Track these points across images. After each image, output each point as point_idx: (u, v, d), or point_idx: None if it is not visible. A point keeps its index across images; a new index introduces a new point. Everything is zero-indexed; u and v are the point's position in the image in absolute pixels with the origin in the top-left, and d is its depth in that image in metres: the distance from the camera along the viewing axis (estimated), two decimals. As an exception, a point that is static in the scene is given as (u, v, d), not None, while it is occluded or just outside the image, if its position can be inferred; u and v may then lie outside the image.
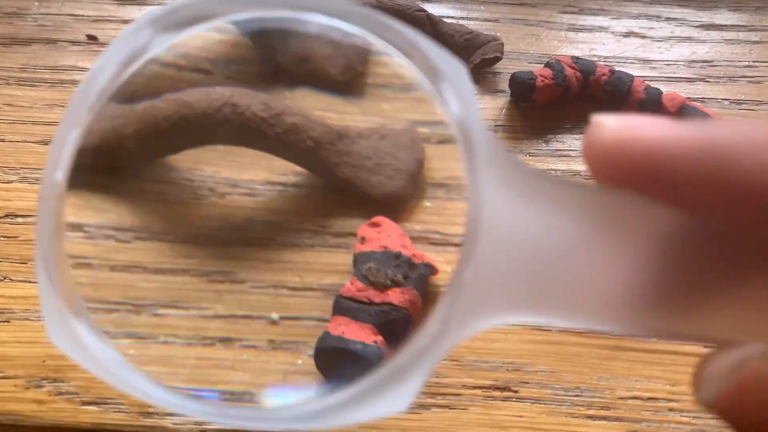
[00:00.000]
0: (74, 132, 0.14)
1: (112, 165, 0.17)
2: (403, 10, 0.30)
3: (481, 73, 0.31)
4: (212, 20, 0.16)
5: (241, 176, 0.24)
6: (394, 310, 0.21)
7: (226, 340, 0.21)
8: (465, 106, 0.14)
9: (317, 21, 0.15)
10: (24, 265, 0.27)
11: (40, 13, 0.34)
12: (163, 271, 0.23)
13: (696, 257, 0.14)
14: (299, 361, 0.21)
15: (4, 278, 0.27)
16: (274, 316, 0.22)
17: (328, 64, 0.23)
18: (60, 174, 0.14)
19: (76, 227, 0.22)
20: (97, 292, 0.21)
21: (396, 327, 0.21)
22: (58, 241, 0.15)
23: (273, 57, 0.22)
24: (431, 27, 0.30)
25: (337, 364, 0.20)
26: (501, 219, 0.14)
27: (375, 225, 0.22)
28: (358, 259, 0.21)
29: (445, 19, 0.31)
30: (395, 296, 0.20)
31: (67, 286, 0.15)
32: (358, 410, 0.13)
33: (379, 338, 0.21)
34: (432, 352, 0.13)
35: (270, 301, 0.22)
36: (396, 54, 0.15)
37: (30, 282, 0.26)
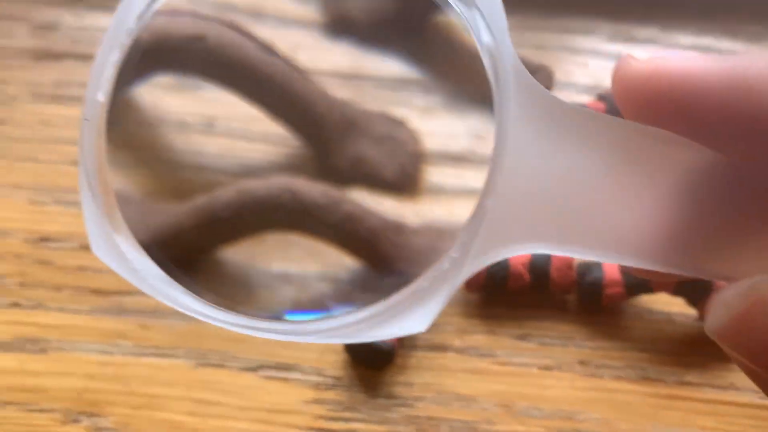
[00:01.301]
0: (114, 54, 0.15)
1: (172, 259, 0.17)
2: None
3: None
4: None
5: (295, 268, 0.25)
6: None
7: None
8: (496, 35, 0.14)
9: None
10: (59, 292, 0.26)
11: (74, 27, 0.33)
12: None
13: (721, 196, 0.14)
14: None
15: (39, 306, 0.26)
16: None
17: (381, 167, 0.24)
18: (101, 95, 0.15)
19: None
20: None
21: None
22: (100, 161, 0.15)
23: (329, 160, 0.22)
24: None
25: (363, 352, 0.24)
26: (526, 151, 0.14)
27: None
28: None
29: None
30: None
31: (109, 206, 0.15)
32: (382, 328, 0.14)
33: None
34: (452, 277, 0.14)
35: None
36: None
37: (65, 311, 0.26)
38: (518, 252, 0.15)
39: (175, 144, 0.20)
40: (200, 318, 0.15)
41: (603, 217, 0.14)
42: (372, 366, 0.24)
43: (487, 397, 0.24)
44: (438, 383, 0.24)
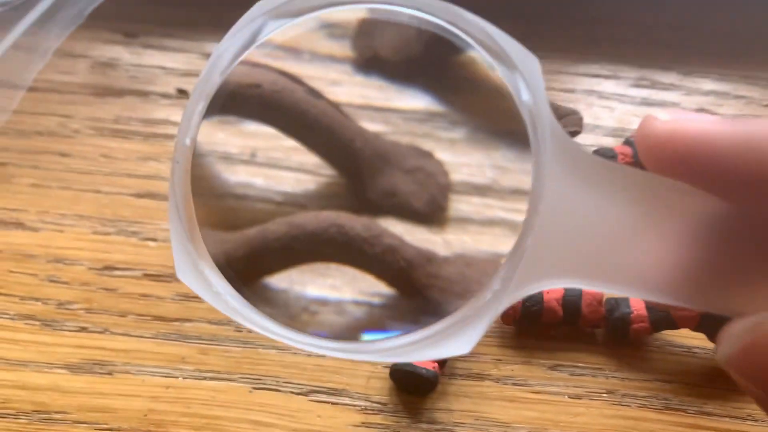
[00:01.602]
0: (201, 104, 0.17)
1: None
2: None
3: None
4: (321, 9, 0.18)
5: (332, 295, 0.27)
6: None
7: None
8: (535, 94, 0.16)
9: (399, 11, 0.18)
10: (123, 318, 0.28)
11: (132, 64, 0.36)
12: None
13: (730, 241, 0.16)
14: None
15: (105, 331, 0.28)
16: None
17: (412, 198, 0.25)
18: (188, 140, 0.17)
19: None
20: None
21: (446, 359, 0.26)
22: (188, 196, 0.17)
23: (363, 192, 0.24)
24: None
25: (408, 380, 0.26)
26: (560, 197, 0.16)
27: None
28: None
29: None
30: None
31: (194, 235, 0.18)
32: (431, 349, 0.16)
33: (436, 365, 0.26)
34: (493, 306, 0.16)
35: None
36: (473, 46, 0.17)
37: (129, 335, 0.28)
38: (552, 286, 0.16)
39: (221, 174, 0.21)
40: (277, 338, 0.17)
41: (627, 257, 0.16)
42: (415, 392, 0.26)
43: (521, 424, 0.26)
44: (476, 410, 0.26)
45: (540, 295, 0.27)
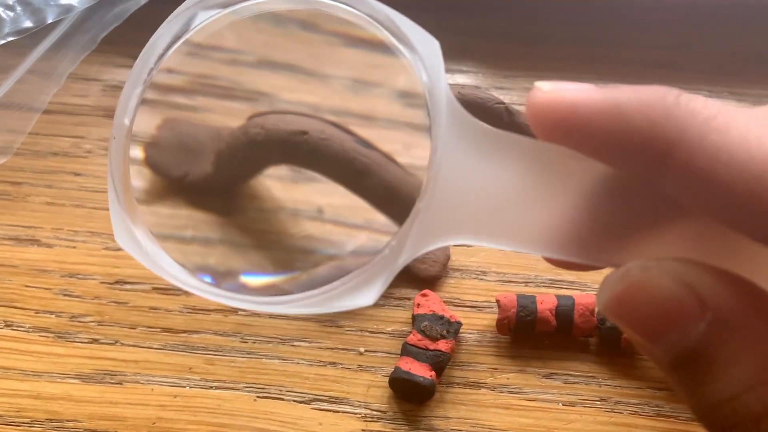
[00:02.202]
0: (137, 89, 0.19)
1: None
2: (484, 102, 0.32)
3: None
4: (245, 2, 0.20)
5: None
6: (442, 355, 0.28)
7: (331, 363, 0.29)
8: (431, 74, 0.18)
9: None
10: (134, 330, 0.29)
11: (141, 87, 0.37)
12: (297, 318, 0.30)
13: (610, 201, 0.17)
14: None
15: (116, 342, 0.29)
16: (361, 349, 0.29)
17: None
18: (127, 119, 0.19)
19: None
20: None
21: (443, 365, 0.28)
22: (125, 169, 0.19)
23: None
24: (509, 118, 0.33)
25: (406, 388, 0.27)
26: (454, 163, 0.17)
27: (425, 295, 0.30)
28: (417, 319, 0.29)
29: (523, 110, 0.33)
30: (443, 345, 0.28)
31: (129, 204, 0.19)
32: (337, 301, 0.18)
33: (433, 374, 0.27)
34: (392, 262, 0.18)
35: (359, 339, 0.29)
36: (379, 29, 0.19)
37: (139, 347, 0.29)
38: (448, 243, 0.18)
39: (288, 229, 0.23)
40: (193, 291, 0.19)
41: (519, 217, 0.18)
42: (413, 400, 0.27)
43: (516, 430, 0.27)
44: (472, 417, 0.27)
45: (534, 305, 0.28)
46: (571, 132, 0.17)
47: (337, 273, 0.19)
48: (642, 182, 0.17)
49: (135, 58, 0.38)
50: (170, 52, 0.20)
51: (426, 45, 0.18)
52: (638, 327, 0.16)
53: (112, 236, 0.32)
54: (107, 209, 0.32)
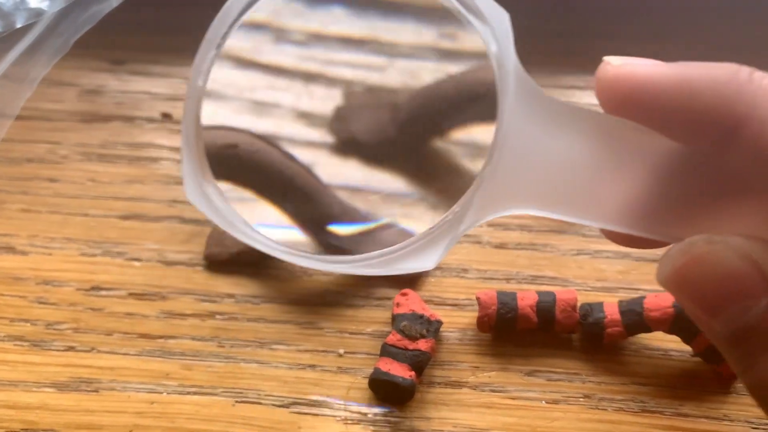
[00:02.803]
0: (211, 52, 0.20)
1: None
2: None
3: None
4: None
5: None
6: (422, 354, 0.27)
7: (310, 366, 0.28)
8: (500, 44, 0.18)
9: None
10: (110, 336, 0.29)
11: (118, 91, 0.37)
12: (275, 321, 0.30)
13: (677, 177, 0.18)
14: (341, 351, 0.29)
15: (92, 349, 0.28)
16: (341, 351, 0.29)
17: None
18: (201, 81, 0.20)
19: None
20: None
21: (423, 365, 0.27)
22: (198, 129, 0.20)
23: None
24: None
25: (386, 389, 0.27)
26: (520, 133, 0.18)
27: (404, 294, 0.29)
28: (396, 319, 0.28)
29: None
30: (422, 344, 0.27)
31: (201, 161, 0.20)
32: (399, 263, 0.18)
33: (413, 374, 0.27)
34: (454, 227, 0.18)
35: (338, 341, 0.29)
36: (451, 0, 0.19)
37: (115, 353, 0.28)
38: (511, 212, 0.18)
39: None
40: (268, 250, 0.19)
41: (584, 189, 0.18)
42: (394, 402, 0.27)
43: (499, 430, 0.26)
44: (454, 417, 0.27)
45: (514, 302, 0.28)
46: (640, 106, 0.17)
47: (399, 237, 0.19)
48: (709, 158, 0.17)
49: (111, 62, 0.38)
50: (244, 17, 0.20)
51: (496, 16, 0.18)
52: (699, 300, 0.16)
53: (88, 242, 0.32)
54: (84, 215, 0.32)
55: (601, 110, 0.18)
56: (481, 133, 0.20)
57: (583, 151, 0.18)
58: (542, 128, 0.18)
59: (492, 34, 0.18)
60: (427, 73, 0.21)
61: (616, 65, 0.17)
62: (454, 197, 0.18)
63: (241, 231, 0.20)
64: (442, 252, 0.18)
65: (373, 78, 0.22)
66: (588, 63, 0.37)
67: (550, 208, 0.18)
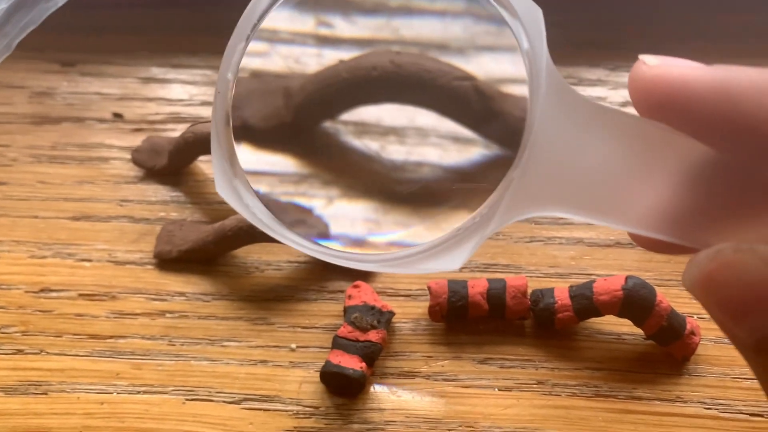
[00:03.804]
0: (241, 44, 0.19)
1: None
2: (434, 78, 0.32)
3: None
4: None
5: (273, 258, 0.31)
6: (372, 345, 0.27)
7: (262, 362, 0.28)
8: (532, 41, 0.17)
9: None
10: (59, 338, 0.28)
11: (69, 92, 0.36)
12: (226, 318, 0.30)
13: (709, 184, 0.17)
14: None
15: (41, 351, 0.28)
16: (293, 345, 0.29)
17: None
18: (230, 74, 0.20)
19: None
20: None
21: (374, 356, 0.27)
22: (227, 122, 0.20)
23: None
24: (480, 103, 0.32)
25: (337, 381, 0.27)
26: (551, 133, 0.17)
27: (357, 287, 0.29)
28: (348, 311, 0.28)
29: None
30: (373, 335, 0.27)
31: (230, 156, 0.20)
32: (425, 263, 0.18)
33: (363, 365, 0.27)
34: (482, 228, 0.17)
35: (291, 336, 0.29)
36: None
37: (65, 355, 0.28)
38: (540, 213, 0.18)
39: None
40: (295, 246, 0.19)
41: (614, 192, 0.17)
42: (346, 394, 0.27)
43: (452, 418, 0.26)
44: (407, 408, 0.26)
45: (465, 290, 0.28)
46: (676, 111, 0.16)
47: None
48: (745, 167, 0.16)
49: (62, 63, 0.38)
50: (274, 8, 0.20)
51: (528, 12, 0.17)
52: (724, 306, 0.16)
53: (38, 244, 0.31)
54: (33, 217, 0.32)
55: (632, 109, 0.18)
56: (368, 113, 0.20)
57: (614, 154, 0.17)
58: (573, 129, 0.17)
59: (523, 29, 0.18)
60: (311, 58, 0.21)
61: (653, 65, 0.16)
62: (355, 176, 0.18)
63: (267, 225, 0.20)
64: (469, 253, 0.18)
65: (255, 62, 0.21)
66: (615, 56, 0.37)
67: (578, 210, 0.17)
